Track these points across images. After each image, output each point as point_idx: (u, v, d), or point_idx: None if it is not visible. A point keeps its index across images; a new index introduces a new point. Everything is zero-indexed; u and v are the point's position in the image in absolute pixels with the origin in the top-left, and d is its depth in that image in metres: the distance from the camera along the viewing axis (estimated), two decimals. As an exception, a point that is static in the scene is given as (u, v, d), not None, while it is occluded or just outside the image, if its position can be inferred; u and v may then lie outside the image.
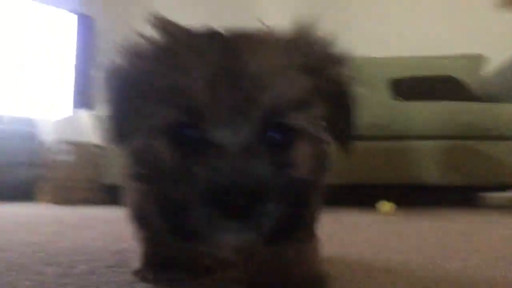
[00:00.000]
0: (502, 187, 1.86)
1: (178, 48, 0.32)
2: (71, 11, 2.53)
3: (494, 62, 2.16)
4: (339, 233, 0.96)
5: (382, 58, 2.22)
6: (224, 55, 0.30)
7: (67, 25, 2.54)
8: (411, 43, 2.43)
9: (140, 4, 2.51)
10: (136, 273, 0.45)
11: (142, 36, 0.35)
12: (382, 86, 2.14)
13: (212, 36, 0.33)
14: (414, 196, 1.84)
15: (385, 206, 1.57)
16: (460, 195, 1.92)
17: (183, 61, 0.31)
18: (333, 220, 1.19)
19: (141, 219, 0.42)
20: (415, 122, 1.78)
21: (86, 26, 2.53)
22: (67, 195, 1.91)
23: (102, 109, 0.39)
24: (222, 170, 0.27)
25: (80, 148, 1.95)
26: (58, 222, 1.18)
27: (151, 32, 0.35)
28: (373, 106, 1.80)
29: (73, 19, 2.55)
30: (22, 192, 1.99)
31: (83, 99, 2.45)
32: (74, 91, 2.53)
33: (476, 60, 2.28)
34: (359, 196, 1.83)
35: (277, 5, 2.51)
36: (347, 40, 0.38)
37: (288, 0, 2.53)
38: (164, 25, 0.34)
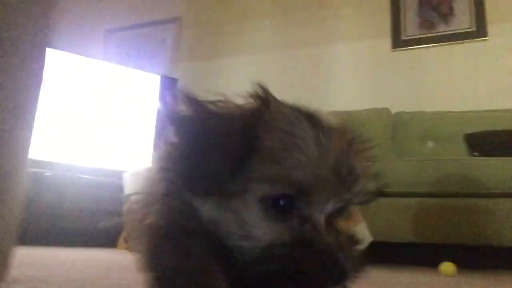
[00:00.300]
0: None
1: (287, 125, 0.32)
2: (156, 73, 2.77)
3: None
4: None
5: (457, 112, 2.17)
6: (331, 144, 0.32)
7: (152, 85, 2.76)
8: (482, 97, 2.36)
9: (219, 67, 2.71)
10: None
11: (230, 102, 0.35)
12: (459, 141, 2.08)
13: (310, 117, 0.34)
14: (481, 257, 1.73)
15: (447, 267, 1.49)
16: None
17: (296, 140, 0.31)
18: (393, 280, 1.16)
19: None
20: (490, 178, 1.70)
21: (169, 86, 2.75)
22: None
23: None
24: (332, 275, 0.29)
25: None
26: (112, 264, 1.28)
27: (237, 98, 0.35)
28: (447, 162, 1.76)
29: (157, 79, 2.77)
30: (107, 239, 2.14)
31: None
32: (154, 145, 2.72)
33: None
34: (425, 255, 1.75)
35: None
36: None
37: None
38: (265, 96, 0.34)
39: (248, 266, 0.31)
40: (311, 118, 0.33)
